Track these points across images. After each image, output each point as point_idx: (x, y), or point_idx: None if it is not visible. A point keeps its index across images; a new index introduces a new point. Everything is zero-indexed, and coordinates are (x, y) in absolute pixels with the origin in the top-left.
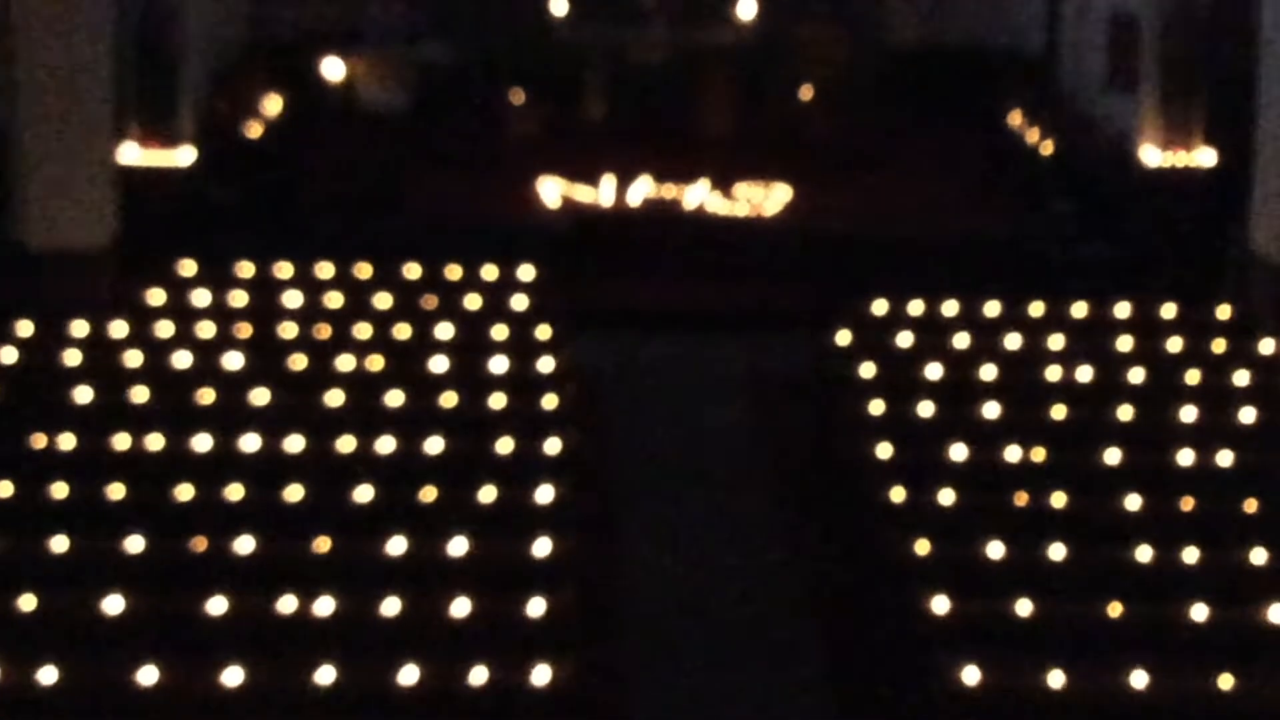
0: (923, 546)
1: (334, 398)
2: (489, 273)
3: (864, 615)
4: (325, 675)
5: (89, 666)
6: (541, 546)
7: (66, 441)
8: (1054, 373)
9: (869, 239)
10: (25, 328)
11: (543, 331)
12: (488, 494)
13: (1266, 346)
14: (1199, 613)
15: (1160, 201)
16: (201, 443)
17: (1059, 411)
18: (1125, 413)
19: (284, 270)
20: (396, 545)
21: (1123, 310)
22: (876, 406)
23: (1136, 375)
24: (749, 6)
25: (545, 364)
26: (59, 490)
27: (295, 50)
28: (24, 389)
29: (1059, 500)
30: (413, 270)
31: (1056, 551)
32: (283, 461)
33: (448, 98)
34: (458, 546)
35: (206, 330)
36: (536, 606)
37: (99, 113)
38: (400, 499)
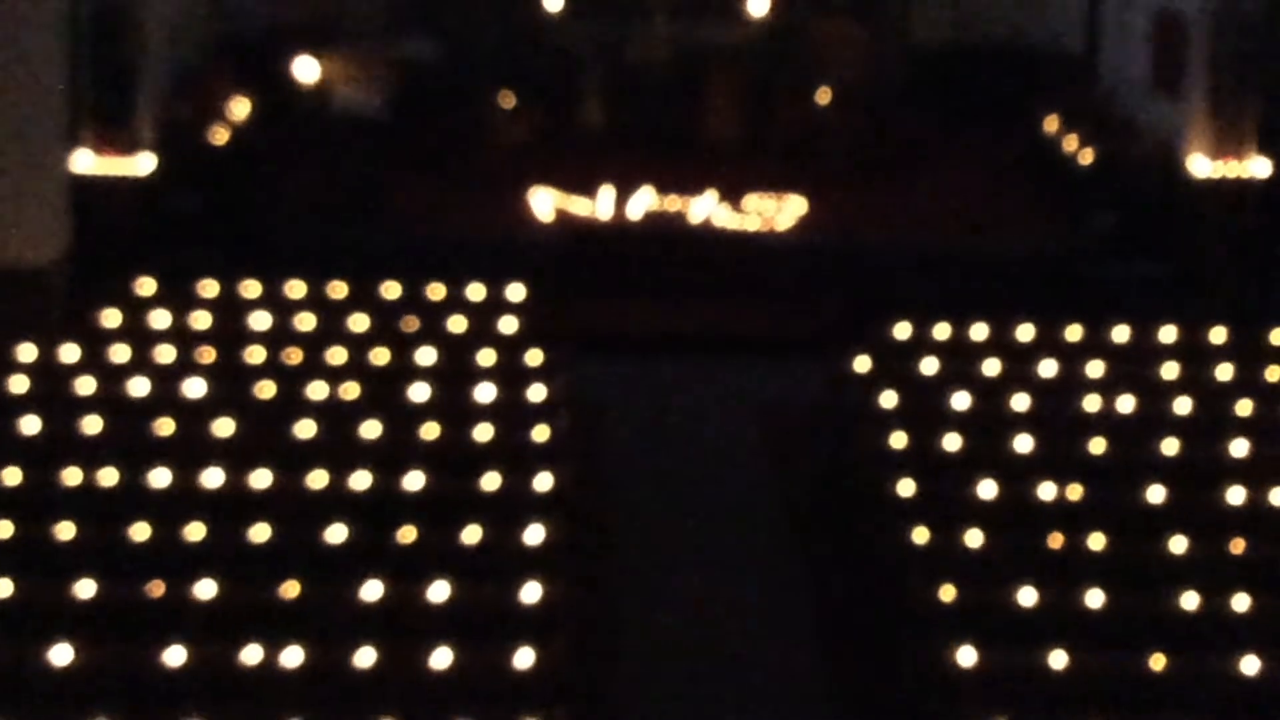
0: (948, 593)
1: (305, 429)
2: (475, 292)
3: (884, 668)
4: None
5: None
6: (530, 592)
7: (11, 476)
8: (1093, 403)
9: (891, 255)
10: None
11: (534, 357)
12: (472, 534)
13: None
14: (1250, 665)
15: (1210, 215)
16: (159, 477)
17: (1098, 445)
18: (1170, 447)
19: (251, 289)
20: (372, 590)
21: (1168, 334)
22: (898, 439)
23: (1183, 406)
24: (760, 1)
25: (536, 392)
26: (3, 529)
27: (265, 48)
28: None
29: (1097, 542)
30: (392, 289)
31: (1094, 598)
32: (248, 498)
33: (431, 100)
34: (439, 592)
35: (166, 355)
36: (524, 658)
37: (50, 117)
38: (376, 540)
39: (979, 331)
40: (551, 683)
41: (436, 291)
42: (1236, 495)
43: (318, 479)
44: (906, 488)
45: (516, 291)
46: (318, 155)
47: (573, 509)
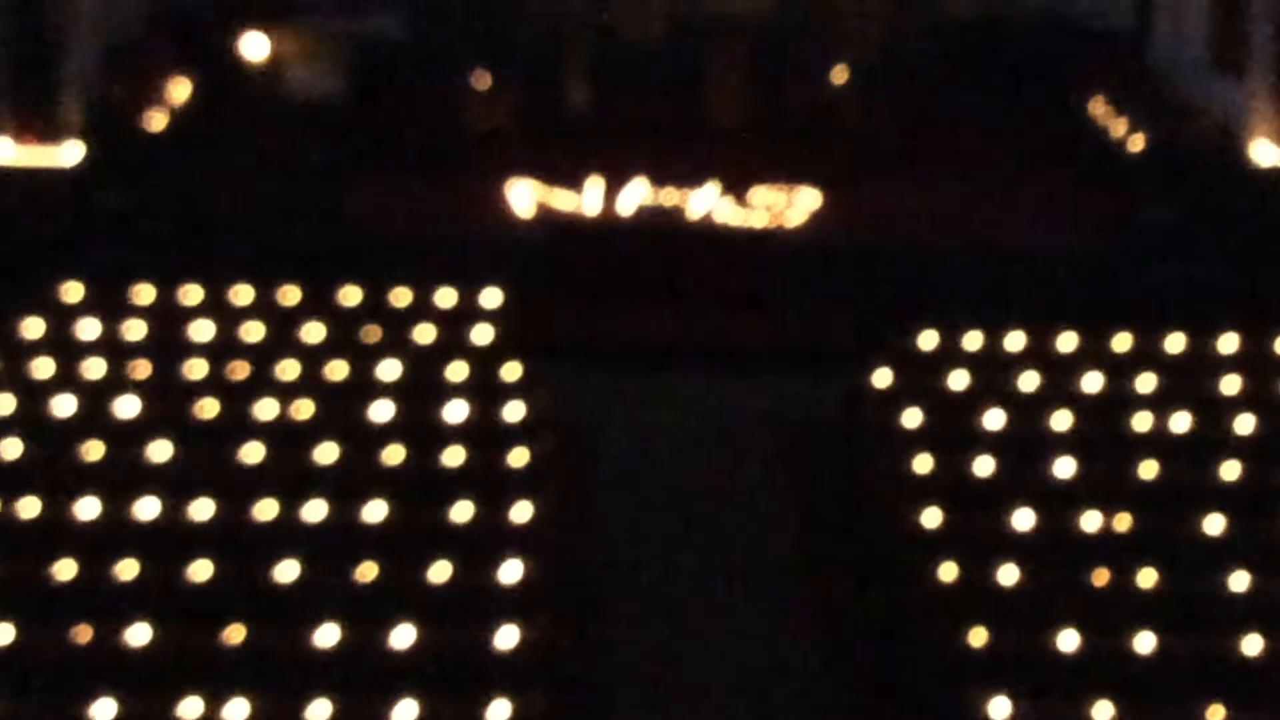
0: (979, 636)
1: (252, 452)
2: (445, 298)
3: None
4: None
5: None
6: (506, 637)
7: None
8: (1143, 421)
9: (915, 255)
10: None
11: (511, 370)
12: (440, 572)
13: None
14: None
15: (1276, 209)
16: (87, 508)
17: (1149, 470)
18: (1231, 471)
19: (192, 295)
20: (327, 635)
21: (1229, 344)
22: (923, 463)
23: (1245, 424)
24: None
25: (513, 411)
26: None
27: (208, 23)
28: None
29: (1148, 579)
30: (351, 295)
31: (1144, 642)
32: (187, 532)
33: (396, 81)
34: (403, 637)
35: (95, 369)
36: (500, 710)
37: None
38: (332, 578)
39: (1015, 341)
40: None
41: (401, 297)
42: None
43: (266, 509)
44: (932, 518)
45: (492, 297)
46: (267, 143)
47: (555, 543)
